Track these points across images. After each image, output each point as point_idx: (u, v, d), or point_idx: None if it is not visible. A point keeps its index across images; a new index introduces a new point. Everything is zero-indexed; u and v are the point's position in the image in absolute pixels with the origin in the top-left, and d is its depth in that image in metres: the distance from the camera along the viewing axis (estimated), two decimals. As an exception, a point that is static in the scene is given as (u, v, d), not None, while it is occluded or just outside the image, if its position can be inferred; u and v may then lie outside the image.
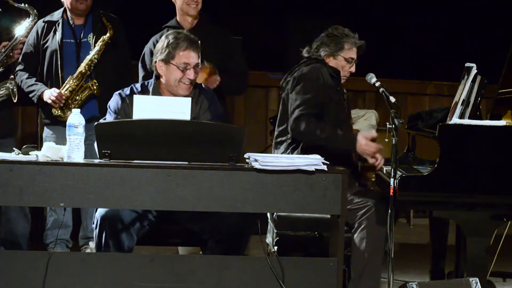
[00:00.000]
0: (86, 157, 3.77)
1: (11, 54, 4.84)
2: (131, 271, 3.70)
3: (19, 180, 3.57)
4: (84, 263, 3.70)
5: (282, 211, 4.05)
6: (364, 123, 7.00)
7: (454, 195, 4.07)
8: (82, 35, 5.31)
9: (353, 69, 4.47)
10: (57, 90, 5.18)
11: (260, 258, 3.87)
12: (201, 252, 4.61)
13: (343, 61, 4.43)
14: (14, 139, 5.00)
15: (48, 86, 5.26)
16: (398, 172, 3.95)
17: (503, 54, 4.81)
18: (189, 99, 3.90)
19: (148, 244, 4.38)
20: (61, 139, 4.79)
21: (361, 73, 4.42)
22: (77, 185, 3.59)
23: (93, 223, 3.96)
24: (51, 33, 5.30)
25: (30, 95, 5.27)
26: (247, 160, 3.77)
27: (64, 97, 5.18)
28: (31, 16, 4.94)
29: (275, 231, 4.26)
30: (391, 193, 3.84)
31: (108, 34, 5.24)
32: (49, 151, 3.64)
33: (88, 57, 5.23)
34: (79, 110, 3.79)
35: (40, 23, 5.29)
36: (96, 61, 5.23)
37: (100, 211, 3.90)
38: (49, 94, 5.19)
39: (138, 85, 4.27)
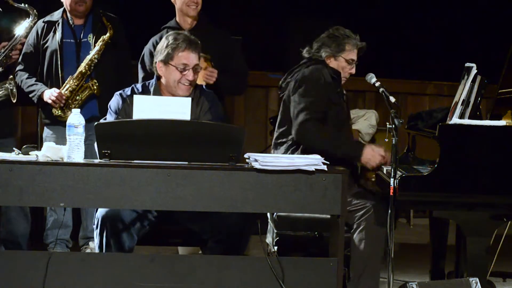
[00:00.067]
0: (86, 157, 3.77)
1: (10, 54, 4.84)
2: (131, 271, 3.70)
3: (19, 180, 3.57)
4: (84, 263, 3.70)
5: (282, 211, 4.05)
6: (364, 123, 7.00)
7: (454, 195, 4.07)
8: (82, 35, 5.31)
9: (353, 71, 4.46)
10: (57, 90, 5.18)
11: (260, 258, 3.87)
12: (201, 252, 4.61)
13: (344, 62, 4.42)
14: (14, 139, 5.00)
15: (48, 86, 5.26)
16: (398, 172, 3.95)
17: (503, 54, 4.81)
18: (189, 99, 3.90)
19: (148, 244, 4.38)
20: (61, 139, 4.79)
21: (361, 73, 4.42)
22: (77, 185, 3.59)
23: (94, 223, 3.96)
24: (51, 33, 5.30)
25: (30, 95, 5.27)
26: (247, 160, 3.77)
27: (64, 97, 5.18)
28: (31, 16, 4.94)
29: (275, 231, 4.26)
30: (391, 193, 3.84)
31: (108, 34, 5.24)
32: (49, 151, 3.65)
33: (88, 57, 5.23)
34: (79, 110, 3.79)
35: (40, 23, 5.29)
36: (96, 61, 5.23)
37: (101, 211, 3.90)
38: (49, 94, 5.19)
39: (139, 86, 4.27)
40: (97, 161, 3.67)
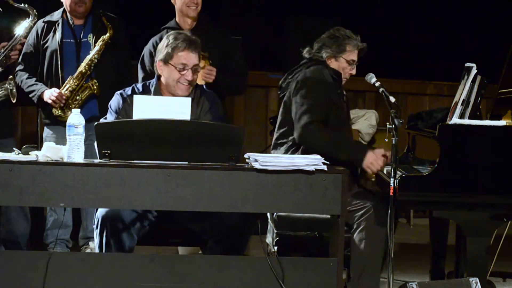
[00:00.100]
0: (86, 157, 3.77)
1: (10, 54, 4.84)
2: (131, 271, 3.70)
3: (19, 180, 3.57)
4: (84, 263, 3.70)
5: (282, 211, 4.05)
6: (364, 123, 7.00)
7: (454, 195, 4.07)
8: (82, 35, 5.31)
9: (353, 71, 4.45)
10: (57, 90, 5.19)
11: (260, 258, 3.87)
12: (201, 252, 4.61)
13: (344, 63, 4.41)
14: (14, 139, 5.00)
15: (48, 86, 5.26)
16: (398, 172, 3.95)
17: (503, 54, 4.81)
18: (189, 99, 3.90)
19: (148, 244, 4.38)
20: (61, 139, 4.79)
21: (361, 73, 4.42)
22: (77, 185, 3.58)
23: (94, 223, 3.96)
24: (51, 33, 5.30)
25: (30, 95, 5.27)
26: (247, 160, 3.77)
27: (64, 97, 5.18)
28: (30, 16, 4.94)
29: (275, 231, 4.26)
30: (391, 193, 3.84)
31: (108, 34, 5.24)
32: (49, 151, 3.64)
33: (88, 57, 5.23)
34: (79, 110, 3.79)
35: (40, 23, 5.29)
36: (96, 61, 5.23)
37: (101, 211, 3.90)
38: (49, 94, 5.19)
39: (139, 85, 4.27)
40: (97, 161, 3.67)
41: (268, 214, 4.35)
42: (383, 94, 4.08)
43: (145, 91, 4.21)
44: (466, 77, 4.30)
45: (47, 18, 5.35)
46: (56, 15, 5.35)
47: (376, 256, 4.11)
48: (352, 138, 4.69)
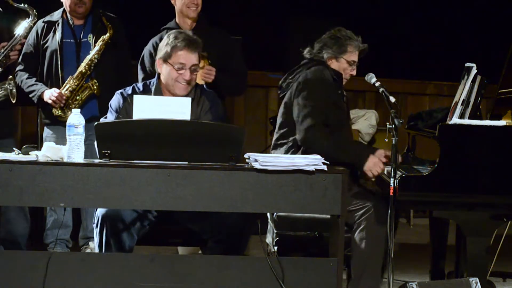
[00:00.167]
0: (86, 157, 3.77)
1: (10, 54, 4.83)
2: (131, 271, 3.70)
3: (19, 180, 3.56)
4: (84, 263, 3.70)
5: (282, 211, 4.05)
6: (364, 123, 7.00)
7: (454, 195, 4.07)
8: (82, 35, 5.31)
9: (354, 72, 4.44)
10: (58, 90, 5.19)
11: (260, 258, 3.87)
12: (201, 252, 4.61)
13: (345, 64, 4.40)
14: (14, 139, 5.00)
15: (48, 86, 5.26)
16: (398, 172, 3.95)
17: (503, 54, 4.81)
18: (189, 99, 3.90)
19: (148, 244, 4.38)
20: (61, 139, 4.79)
21: (361, 73, 4.41)
22: (77, 185, 3.58)
23: (94, 223, 3.96)
24: (51, 33, 5.30)
25: (30, 95, 5.27)
26: (247, 160, 3.77)
27: (64, 97, 5.18)
28: (30, 16, 4.93)
29: (275, 231, 4.26)
30: (391, 193, 3.84)
31: (108, 34, 5.24)
32: (49, 151, 3.64)
33: (88, 57, 5.23)
34: (79, 110, 3.79)
35: (40, 23, 5.29)
36: (96, 61, 5.23)
37: (101, 210, 3.90)
38: (50, 94, 5.19)
39: (140, 85, 4.27)
40: (97, 161, 3.67)
41: (268, 214, 4.35)
42: (383, 94, 4.08)
43: (146, 90, 4.21)
44: (466, 77, 4.31)
45: (47, 18, 5.35)
46: (56, 15, 5.35)
47: (377, 256, 4.11)
48: (353, 139, 4.69)
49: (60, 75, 5.26)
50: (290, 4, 8.29)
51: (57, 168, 3.59)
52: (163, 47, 4.16)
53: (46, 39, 5.30)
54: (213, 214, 3.88)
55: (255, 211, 3.76)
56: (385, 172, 4.36)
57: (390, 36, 8.32)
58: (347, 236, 4.04)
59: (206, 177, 3.63)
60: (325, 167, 3.68)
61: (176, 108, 3.82)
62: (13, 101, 4.83)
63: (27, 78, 5.27)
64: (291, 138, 4.33)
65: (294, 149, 4.30)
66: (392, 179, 3.84)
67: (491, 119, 4.57)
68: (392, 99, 4.02)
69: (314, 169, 3.67)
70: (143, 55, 5.13)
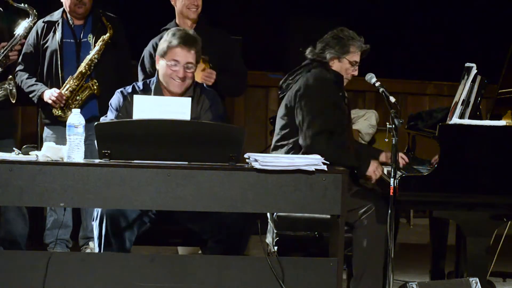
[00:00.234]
0: (86, 157, 3.77)
1: (9, 54, 4.83)
2: (131, 271, 3.70)
3: (19, 180, 3.56)
4: (84, 263, 3.70)
5: (282, 211, 4.05)
6: (364, 123, 7.00)
7: (454, 195, 4.07)
8: (82, 35, 5.31)
9: (356, 72, 4.42)
10: (58, 90, 5.19)
11: (260, 258, 3.87)
12: (201, 252, 4.61)
13: (347, 64, 4.38)
14: (14, 139, 4.99)
15: (48, 86, 5.26)
16: (398, 172, 3.95)
17: (503, 54, 4.82)
18: (189, 99, 3.90)
19: (148, 244, 4.38)
20: (61, 139, 4.79)
21: (361, 73, 4.41)
22: (77, 185, 3.58)
23: (93, 218, 3.96)
24: (51, 33, 5.30)
25: (30, 95, 5.27)
26: (247, 160, 3.77)
27: (64, 97, 5.18)
28: (30, 16, 4.93)
29: (275, 231, 4.26)
30: (391, 193, 3.84)
31: (108, 34, 5.24)
32: (49, 151, 3.64)
33: (88, 57, 5.23)
34: (79, 110, 3.79)
35: (40, 23, 5.29)
36: (96, 61, 5.23)
37: (102, 207, 3.89)
38: (50, 94, 5.19)
39: (140, 84, 4.27)
40: (97, 161, 3.66)
41: (268, 214, 4.35)
42: (383, 94, 4.08)
43: (146, 89, 4.21)
44: (466, 77, 4.31)
45: (47, 18, 5.35)
46: (56, 15, 5.35)
47: (378, 255, 4.11)
48: (354, 140, 4.68)
49: (60, 75, 5.26)
50: (290, 4, 8.29)
51: (57, 168, 3.59)
52: (161, 44, 4.18)
53: (46, 39, 5.30)
54: (213, 214, 3.88)
55: (255, 211, 3.76)
56: (385, 172, 4.36)
57: (390, 36, 8.31)
58: (347, 236, 4.04)
59: (206, 177, 3.63)
60: (325, 167, 3.68)
61: (176, 108, 3.82)
62: (13, 101, 4.83)
63: (27, 78, 5.27)
64: (291, 140, 4.32)
65: (295, 150, 4.29)
66: (392, 179, 3.84)
67: (491, 119, 4.57)
68: (392, 99, 4.02)
69: (314, 169, 3.67)
70: (143, 56, 5.13)
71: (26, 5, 4.92)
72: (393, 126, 3.89)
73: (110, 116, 4.14)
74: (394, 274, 3.89)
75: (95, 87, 5.22)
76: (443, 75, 8.02)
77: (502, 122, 4.17)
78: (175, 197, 3.62)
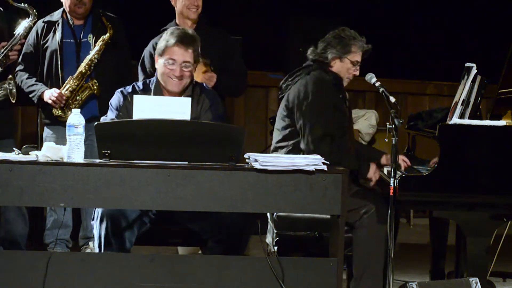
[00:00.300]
0: (86, 157, 3.77)
1: (9, 54, 4.83)
2: (131, 271, 3.70)
3: (19, 180, 3.56)
4: (84, 263, 3.70)
5: (282, 211, 4.05)
6: (364, 123, 6.99)
7: (454, 195, 4.07)
8: (82, 35, 5.31)
9: (357, 72, 4.42)
10: (58, 90, 5.19)
11: (260, 258, 3.87)
12: (201, 252, 4.61)
13: (349, 64, 4.38)
14: (14, 139, 4.99)
15: (48, 86, 5.26)
16: (398, 172, 3.95)
17: (503, 54, 4.82)
18: (189, 99, 3.90)
19: (148, 244, 4.38)
20: (61, 139, 4.79)
21: (361, 73, 4.41)
22: (77, 185, 3.58)
23: (93, 218, 3.95)
24: (51, 33, 5.30)
25: (30, 95, 5.27)
26: (247, 160, 3.77)
27: (64, 97, 5.18)
28: (30, 16, 4.93)
29: (275, 231, 4.26)
30: (391, 193, 3.84)
31: (108, 34, 5.24)
32: (49, 151, 3.64)
33: (88, 57, 5.23)
34: (79, 110, 3.78)
35: (40, 23, 5.29)
36: (96, 61, 5.23)
37: (102, 207, 3.89)
38: (50, 95, 5.19)
39: (140, 83, 4.27)
40: (97, 161, 3.66)
41: (268, 214, 4.35)
42: (383, 94, 4.08)
43: (146, 89, 4.21)
44: (466, 77, 4.31)
45: (47, 18, 5.35)
46: (56, 15, 5.35)
47: (378, 255, 4.11)
48: (354, 142, 4.68)
49: (60, 75, 5.26)
50: (290, 4, 8.29)
51: (57, 168, 3.59)
52: (159, 43, 4.19)
53: (46, 39, 5.30)
54: (213, 214, 3.88)
55: (255, 211, 3.75)
56: (385, 172, 4.36)
57: (390, 36, 8.31)
58: (347, 236, 4.04)
59: (206, 177, 3.63)
60: (325, 167, 3.68)
61: (176, 108, 3.82)
62: (13, 101, 4.83)
63: (27, 78, 5.27)
64: (291, 142, 4.32)
65: (294, 153, 4.29)
66: (392, 179, 3.84)
67: (491, 119, 4.57)
68: (392, 99, 4.02)
69: (314, 169, 3.67)
70: (143, 56, 5.13)
71: (26, 5, 4.92)
72: (393, 126, 3.89)
73: (110, 116, 4.14)
74: (394, 274, 3.89)
75: (95, 87, 5.22)
76: (443, 75, 8.02)
77: (502, 122, 4.17)
78: (175, 197, 3.62)
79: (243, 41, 6.07)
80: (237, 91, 5.45)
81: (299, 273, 3.75)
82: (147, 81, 4.28)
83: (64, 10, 5.33)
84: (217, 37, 5.15)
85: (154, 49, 4.85)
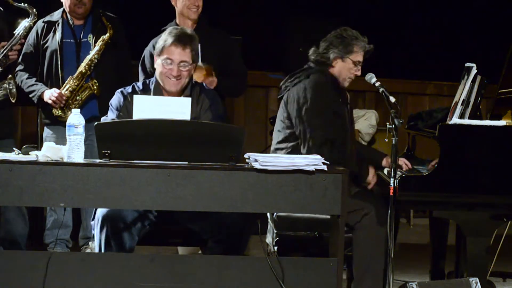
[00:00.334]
0: (86, 157, 3.77)
1: (9, 54, 4.83)
2: (131, 271, 3.70)
3: (19, 180, 3.56)
4: (84, 263, 3.70)
5: (282, 211, 4.05)
6: (364, 123, 7.00)
7: (454, 195, 4.07)
8: (82, 35, 5.31)
9: (358, 72, 4.42)
10: (58, 91, 5.19)
11: (260, 258, 3.86)
12: (201, 252, 4.61)
13: (351, 64, 4.37)
14: (14, 139, 5.00)
15: (48, 86, 5.26)
16: (398, 172, 3.95)
17: (503, 54, 4.81)
18: (189, 99, 3.90)
19: (148, 244, 4.38)
20: (61, 139, 4.79)
21: (362, 73, 4.41)
22: (77, 185, 3.58)
23: (92, 220, 3.95)
24: (51, 33, 5.30)
25: (30, 95, 5.27)
26: (247, 160, 3.77)
27: (64, 97, 5.18)
28: (30, 16, 4.93)
29: (275, 231, 4.26)
30: (391, 193, 3.84)
31: (108, 34, 5.24)
32: (49, 151, 3.64)
33: (88, 57, 5.23)
34: (79, 110, 3.78)
35: (40, 23, 5.30)
36: (96, 61, 5.23)
37: (101, 210, 3.89)
38: (50, 95, 5.19)
39: (139, 84, 4.27)
40: (97, 161, 3.66)
41: (268, 214, 4.35)
42: (383, 94, 4.08)
43: (145, 89, 4.21)
44: (466, 77, 4.31)
45: (47, 18, 5.35)
46: (56, 15, 5.35)
47: (378, 255, 4.11)
48: (356, 141, 4.68)
49: (60, 75, 5.26)
50: (290, 4, 8.29)
51: (57, 168, 3.59)
52: (158, 42, 4.20)
53: (46, 39, 5.30)
54: (213, 214, 3.88)
55: (255, 211, 3.75)
56: (385, 172, 4.36)
57: (390, 36, 8.31)
58: (347, 236, 4.04)
59: (206, 177, 3.63)
60: (325, 167, 3.68)
61: (176, 108, 3.82)
62: (13, 101, 4.83)
63: (27, 78, 5.27)
64: (290, 144, 4.32)
65: (294, 153, 4.28)
66: (392, 179, 3.84)
67: (491, 119, 4.57)
68: (392, 99, 4.02)
69: (314, 169, 3.67)
70: (144, 56, 5.13)
71: (26, 4, 4.92)
72: (393, 126, 3.88)
73: (111, 116, 4.14)
74: (394, 274, 3.89)
75: (95, 87, 5.22)
76: (443, 75, 8.02)
77: (502, 122, 4.18)
78: (175, 197, 3.62)
79: (243, 41, 6.07)
80: (237, 91, 5.45)
81: (299, 273, 3.75)
82: (147, 81, 4.28)
83: (64, 10, 5.34)
84: (217, 37, 5.15)
85: (154, 49, 4.86)
